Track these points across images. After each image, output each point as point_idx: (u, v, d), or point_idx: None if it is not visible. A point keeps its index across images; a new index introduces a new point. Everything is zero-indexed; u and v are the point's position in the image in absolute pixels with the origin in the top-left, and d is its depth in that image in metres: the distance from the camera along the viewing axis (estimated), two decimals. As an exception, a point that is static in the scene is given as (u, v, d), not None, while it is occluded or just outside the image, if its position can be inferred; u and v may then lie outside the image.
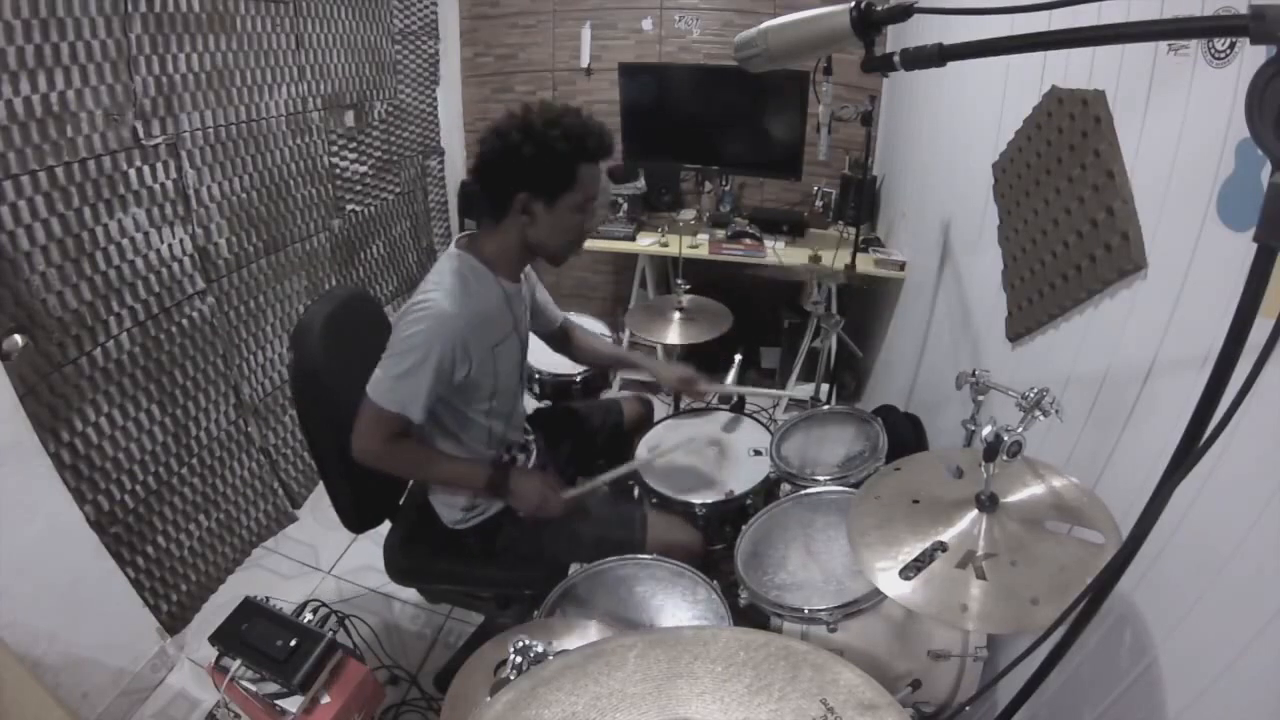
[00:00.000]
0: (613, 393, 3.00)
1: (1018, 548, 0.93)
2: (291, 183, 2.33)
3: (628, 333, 2.80)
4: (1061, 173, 1.31)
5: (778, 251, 2.69)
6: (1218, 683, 0.85)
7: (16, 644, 1.44)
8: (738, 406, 1.95)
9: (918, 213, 2.42)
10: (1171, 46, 1.00)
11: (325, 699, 1.37)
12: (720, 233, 2.86)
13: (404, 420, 1.29)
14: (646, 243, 2.80)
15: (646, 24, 3.02)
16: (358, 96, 2.68)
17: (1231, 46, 0.88)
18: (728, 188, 3.02)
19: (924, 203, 2.35)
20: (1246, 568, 0.82)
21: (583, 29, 3.07)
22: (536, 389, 2.15)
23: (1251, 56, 0.84)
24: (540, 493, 1.40)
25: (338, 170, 2.58)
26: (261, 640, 1.37)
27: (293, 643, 1.36)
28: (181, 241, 1.91)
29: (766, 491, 1.65)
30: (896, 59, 0.73)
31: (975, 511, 0.98)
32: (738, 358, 1.91)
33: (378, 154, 2.83)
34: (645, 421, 1.90)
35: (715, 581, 1.30)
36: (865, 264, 2.42)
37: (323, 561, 2.25)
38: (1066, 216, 1.28)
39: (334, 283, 2.62)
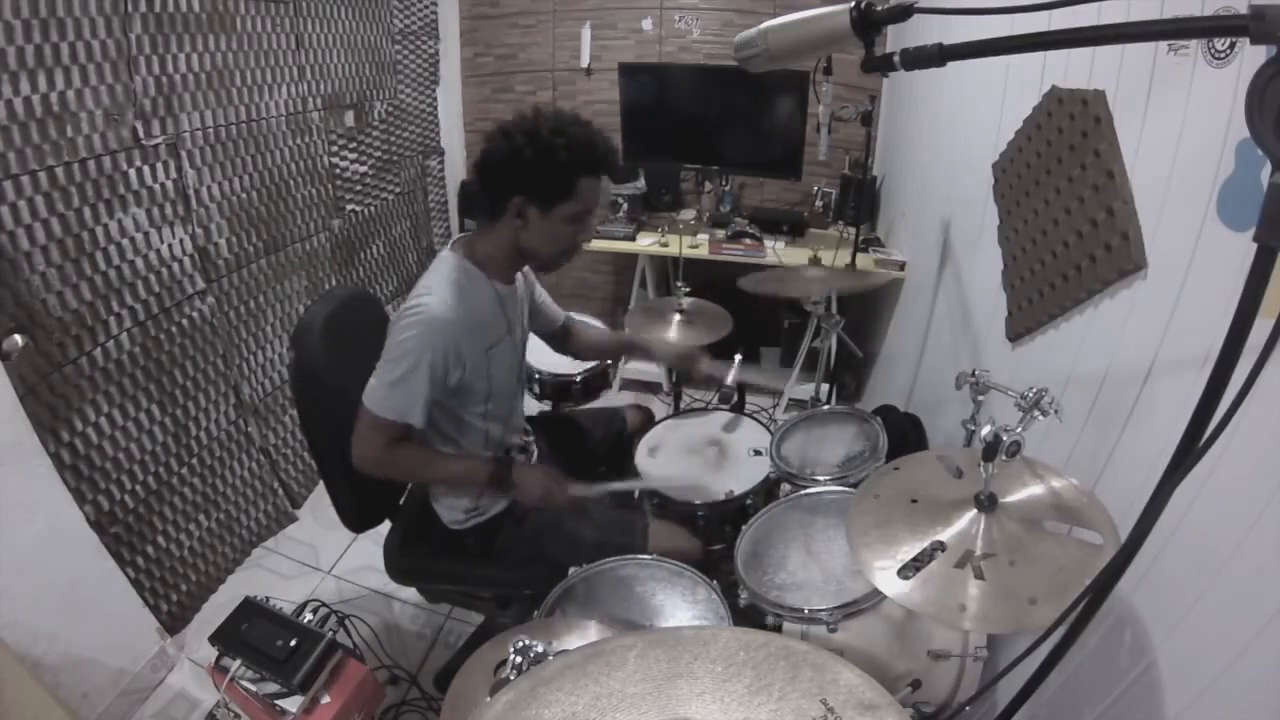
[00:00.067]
0: (613, 394, 3.01)
1: (1016, 548, 0.93)
2: (291, 183, 2.33)
3: (627, 333, 2.80)
4: (1061, 173, 1.31)
5: (778, 251, 2.69)
6: (1218, 683, 0.85)
7: (16, 644, 1.44)
8: (738, 406, 1.95)
9: (918, 213, 2.42)
10: (1171, 46, 1.00)
11: (325, 699, 1.37)
12: (720, 233, 2.86)
13: (403, 427, 1.28)
14: (646, 243, 2.80)
15: (646, 24, 3.02)
16: (358, 96, 2.68)
17: (1231, 46, 0.88)
18: (728, 188, 3.02)
19: (924, 203, 2.35)
20: (1246, 568, 0.82)
21: (583, 29, 3.07)
22: (536, 389, 2.15)
23: (1251, 56, 0.84)
24: (544, 484, 1.40)
25: (338, 170, 2.58)
26: (261, 640, 1.37)
27: (293, 643, 1.36)
28: (181, 241, 1.91)
29: (766, 491, 1.65)
30: (896, 59, 0.73)
31: (974, 511, 0.98)
32: (738, 357, 1.91)
33: (378, 154, 2.83)
34: (646, 428, 1.90)
35: (715, 581, 1.30)
36: (865, 264, 2.43)
37: (323, 561, 2.25)
38: (1066, 216, 1.28)
39: (334, 283, 2.62)
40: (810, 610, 1.19)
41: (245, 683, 1.35)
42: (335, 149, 2.56)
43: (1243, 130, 0.57)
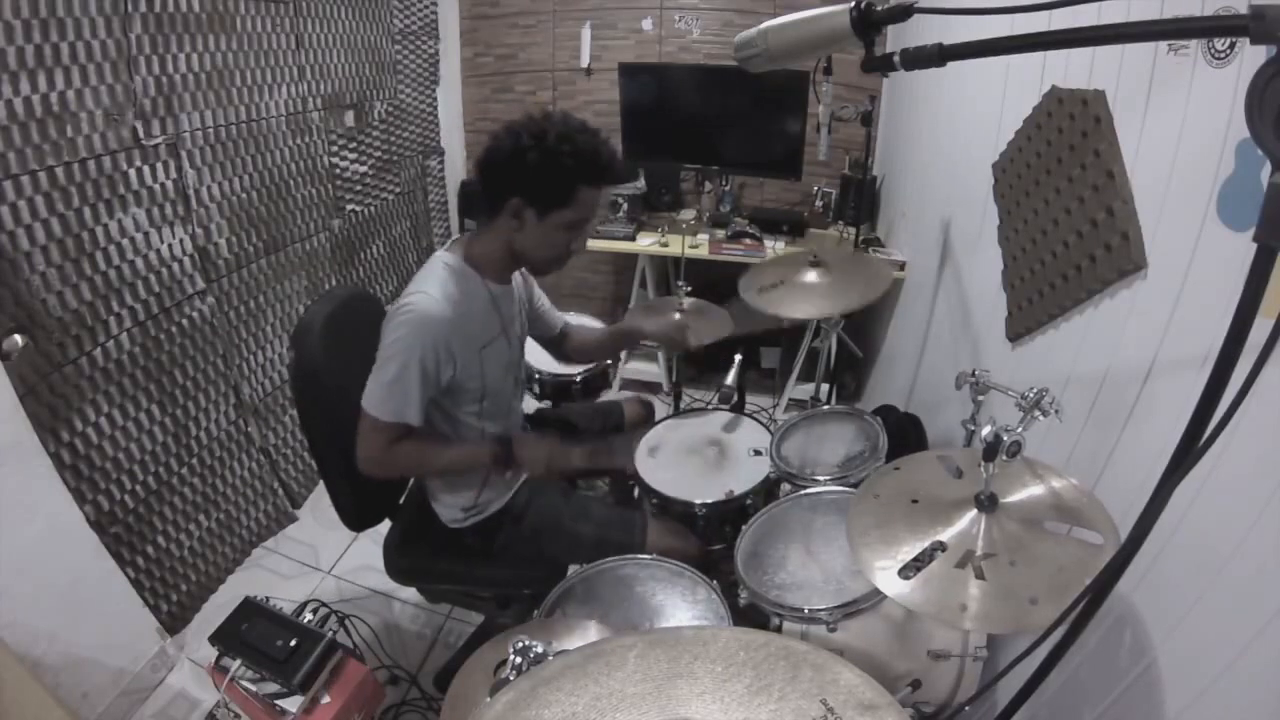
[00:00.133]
0: (613, 393, 3.01)
1: (1017, 548, 0.93)
2: (291, 183, 2.33)
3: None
4: (1061, 173, 1.31)
5: (778, 251, 2.69)
6: (1218, 683, 0.85)
7: (16, 644, 1.44)
8: (738, 406, 1.95)
9: (918, 213, 2.42)
10: (1171, 46, 1.00)
11: (325, 699, 1.37)
12: (720, 233, 2.86)
13: (401, 427, 1.29)
14: (646, 243, 2.80)
15: (646, 24, 3.02)
16: (358, 96, 2.68)
17: (1231, 46, 0.88)
18: (728, 188, 3.02)
19: (924, 203, 2.35)
20: (1246, 568, 0.82)
21: (583, 29, 3.07)
22: (536, 389, 2.15)
23: (1251, 56, 0.84)
24: (547, 453, 1.38)
25: (338, 170, 2.58)
26: (261, 640, 1.37)
27: (293, 643, 1.36)
28: (181, 241, 1.91)
29: (766, 491, 1.65)
30: (896, 59, 0.73)
31: (974, 511, 0.98)
32: (738, 357, 1.91)
33: (378, 154, 2.83)
34: (645, 424, 1.90)
35: (715, 581, 1.30)
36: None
37: (323, 561, 2.25)
38: (1066, 216, 1.28)
39: (334, 283, 2.62)
40: (810, 610, 1.19)
41: (245, 683, 1.35)
42: (335, 149, 2.56)
43: (1243, 130, 0.57)
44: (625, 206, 2.94)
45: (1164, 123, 1.02)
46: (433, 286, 1.29)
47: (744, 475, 1.66)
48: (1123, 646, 1.04)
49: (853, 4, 0.75)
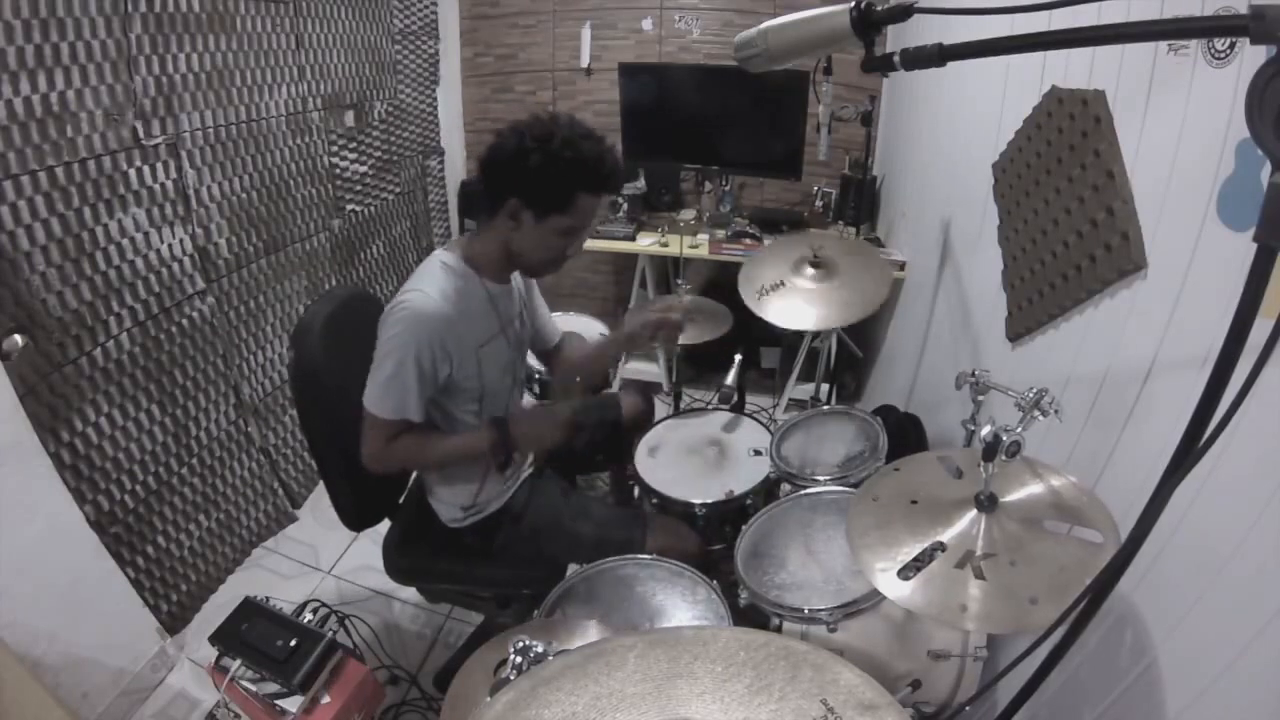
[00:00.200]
0: (613, 391, 3.00)
1: (1017, 548, 0.93)
2: (291, 183, 2.33)
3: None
4: (1061, 173, 1.31)
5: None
6: (1218, 683, 0.85)
7: (16, 644, 1.44)
8: (738, 406, 1.95)
9: (918, 213, 2.42)
10: (1171, 46, 1.00)
11: (325, 699, 1.37)
12: (720, 233, 2.86)
13: (401, 424, 1.29)
14: (646, 243, 2.79)
15: (646, 24, 3.02)
16: (358, 96, 2.68)
17: (1231, 46, 0.88)
18: (728, 188, 3.02)
19: (924, 203, 2.35)
20: (1246, 568, 0.82)
21: (583, 29, 3.07)
22: (536, 389, 2.15)
23: (1251, 56, 0.84)
24: (541, 434, 1.39)
25: (338, 170, 2.58)
26: (261, 640, 1.37)
27: (293, 643, 1.36)
28: (181, 241, 1.91)
29: (766, 491, 1.65)
30: (896, 59, 0.73)
31: (974, 511, 0.98)
32: (738, 357, 1.91)
33: (378, 154, 2.83)
34: (646, 420, 1.90)
35: (715, 581, 1.30)
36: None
37: (323, 561, 2.25)
38: (1066, 216, 1.28)
39: (334, 283, 2.62)
40: (810, 610, 1.19)
41: (245, 683, 1.36)
42: (335, 149, 2.56)
43: (1243, 130, 0.57)
44: (625, 206, 2.94)
45: (1164, 123, 1.02)
46: (428, 285, 1.29)
47: (744, 475, 1.66)
48: (1123, 646, 1.04)
49: (853, 4, 0.75)
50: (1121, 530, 0.91)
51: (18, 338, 1.48)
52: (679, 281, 2.13)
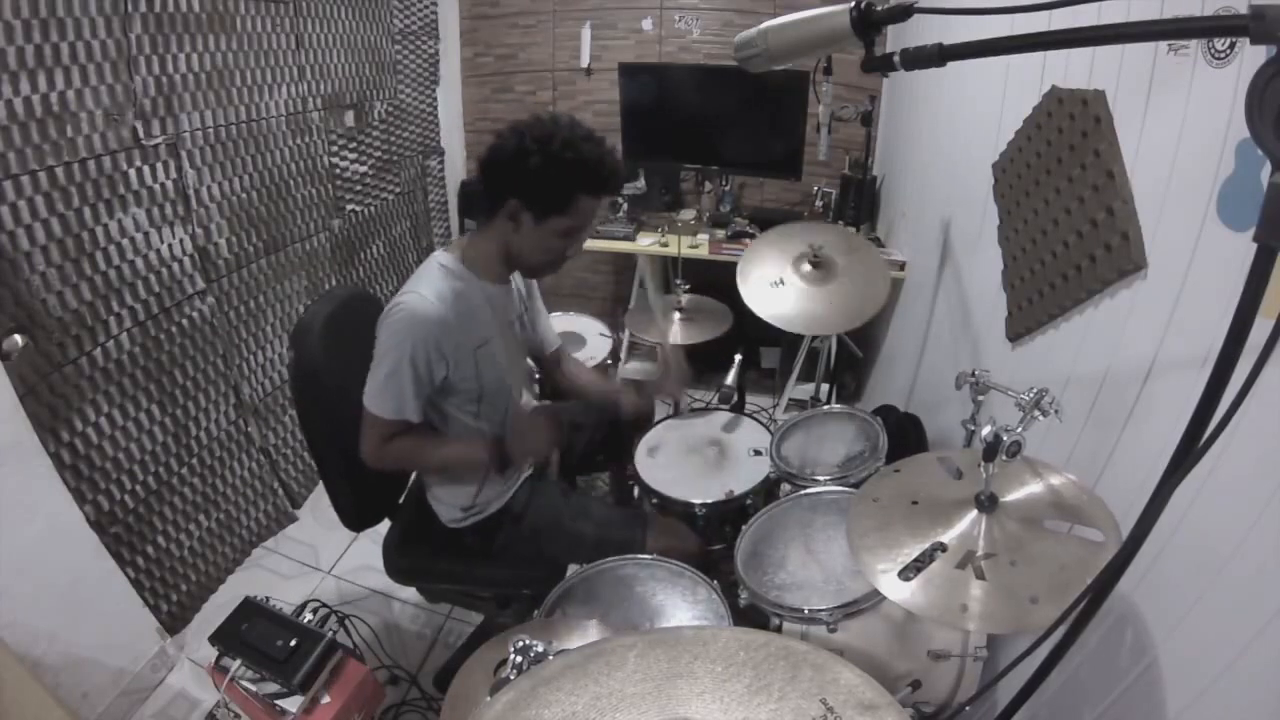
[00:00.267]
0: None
1: (1017, 547, 0.93)
2: (291, 183, 2.33)
3: (627, 333, 2.80)
4: (1061, 173, 1.31)
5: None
6: (1218, 683, 0.85)
7: (16, 644, 1.43)
8: (738, 406, 1.95)
9: (918, 213, 2.42)
10: (1171, 46, 1.00)
11: (325, 699, 1.37)
12: (720, 233, 2.86)
13: (400, 423, 1.30)
14: (646, 243, 2.80)
15: (646, 24, 3.02)
16: (358, 96, 2.68)
17: (1231, 46, 0.88)
18: (728, 188, 3.02)
19: (924, 203, 2.35)
20: (1246, 568, 0.82)
21: (583, 29, 3.07)
22: (536, 389, 2.15)
23: (1251, 56, 0.84)
24: (538, 448, 1.39)
25: (338, 170, 2.58)
26: (261, 640, 1.37)
27: (293, 643, 1.36)
28: (181, 241, 1.91)
29: (766, 491, 1.65)
30: (896, 59, 0.73)
31: (975, 512, 0.98)
32: (738, 357, 1.91)
33: (378, 154, 2.83)
34: (646, 419, 1.90)
35: (715, 581, 1.30)
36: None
37: (323, 561, 2.25)
38: (1066, 216, 1.28)
39: (334, 283, 2.62)
40: (810, 610, 1.19)
41: (245, 683, 1.35)
42: (335, 149, 2.56)
43: (1243, 130, 0.57)
44: (625, 206, 2.94)
45: (1164, 123, 1.02)
46: (425, 286, 1.29)
47: (744, 475, 1.66)
48: (1123, 646, 1.04)
49: (853, 4, 0.75)
50: (1122, 530, 0.91)
51: (18, 338, 1.48)
52: (678, 282, 2.13)
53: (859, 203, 2.72)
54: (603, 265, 3.45)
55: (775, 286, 1.84)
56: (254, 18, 2.09)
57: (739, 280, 1.87)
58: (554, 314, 1.74)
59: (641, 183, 3.04)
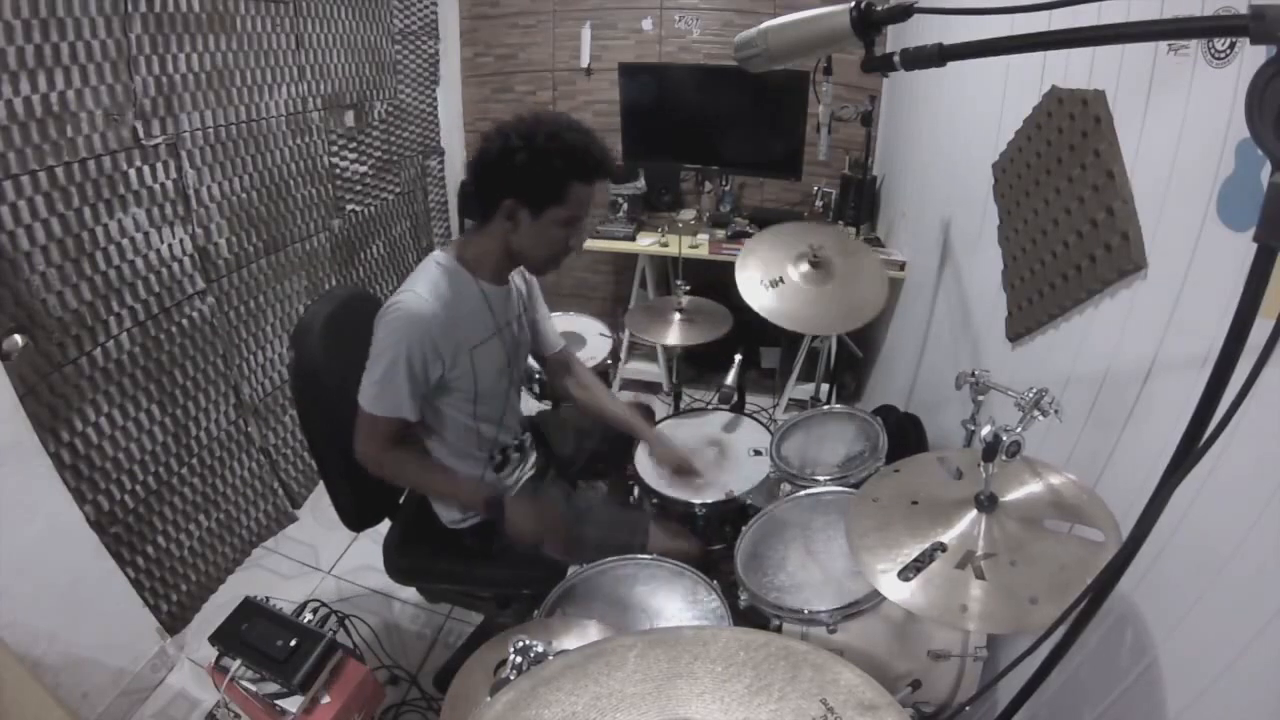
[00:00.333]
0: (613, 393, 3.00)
1: (1017, 547, 0.93)
2: (291, 183, 2.33)
3: (627, 333, 2.80)
4: (1061, 173, 1.31)
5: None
6: (1218, 683, 0.85)
7: (16, 644, 1.43)
8: (738, 406, 1.95)
9: (918, 213, 2.42)
10: (1171, 46, 1.00)
11: (325, 699, 1.37)
12: (720, 233, 2.86)
13: (397, 422, 1.30)
14: (646, 243, 2.80)
15: (646, 24, 3.02)
16: (358, 96, 2.68)
17: (1231, 46, 0.88)
18: (728, 188, 3.02)
19: (924, 203, 2.35)
20: (1246, 568, 0.82)
21: (583, 29, 3.07)
22: (536, 389, 2.15)
23: (1251, 56, 0.84)
24: (535, 522, 1.38)
25: (338, 170, 2.58)
26: (261, 640, 1.37)
27: (293, 643, 1.36)
28: (181, 241, 1.91)
29: (766, 491, 1.65)
30: (896, 59, 0.73)
31: (974, 512, 0.98)
32: (738, 357, 1.91)
33: (378, 154, 2.83)
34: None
35: (715, 581, 1.30)
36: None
37: (323, 561, 2.25)
38: (1066, 216, 1.28)
39: (334, 283, 2.62)
40: (810, 611, 1.19)
41: (245, 683, 1.35)
42: (335, 149, 2.56)
43: (1243, 130, 0.57)
44: (625, 206, 2.94)
45: (1164, 123, 1.02)
46: (421, 286, 1.30)
47: (744, 475, 1.66)
48: (1123, 646, 1.04)
49: (853, 4, 0.75)
50: (1122, 530, 0.91)
51: (18, 338, 1.48)
52: (678, 283, 2.13)
53: (859, 203, 2.72)
54: (603, 265, 3.45)
55: (774, 286, 1.84)
56: (254, 18, 2.09)
57: (738, 278, 1.87)
58: (554, 314, 1.73)
59: (641, 183, 3.03)
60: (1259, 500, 0.80)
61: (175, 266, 1.89)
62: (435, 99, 3.24)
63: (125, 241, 1.74)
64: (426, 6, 3.06)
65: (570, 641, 1.08)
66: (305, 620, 1.44)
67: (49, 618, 1.54)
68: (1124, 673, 1.03)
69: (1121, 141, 1.14)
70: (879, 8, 0.74)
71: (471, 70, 3.32)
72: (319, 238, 2.51)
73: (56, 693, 1.49)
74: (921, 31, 1.23)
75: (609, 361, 2.30)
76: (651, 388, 3.18)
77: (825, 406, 2.03)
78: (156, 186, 1.82)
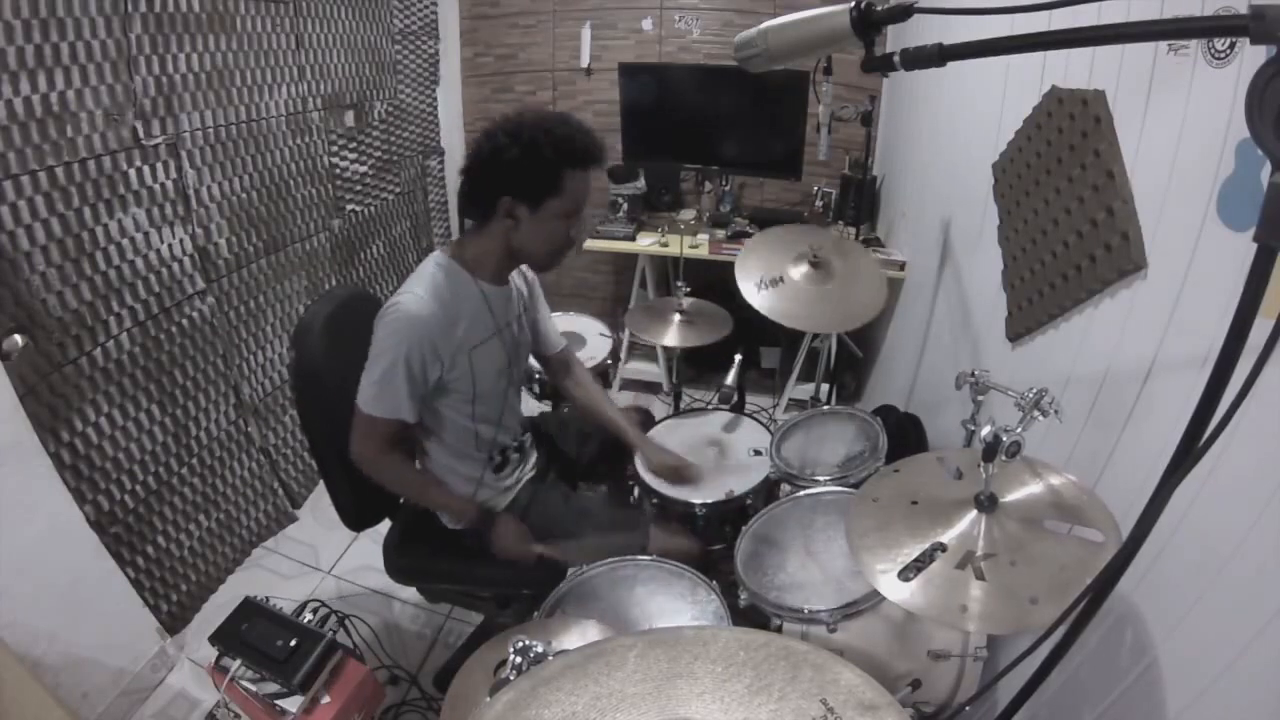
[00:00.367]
0: (613, 394, 3.01)
1: (1017, 548, 0.93)
2: (291, 183, 2.33)
3: (627, 333, 2.80)
4: (1061, 173, 1.31)
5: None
6: (1218, 683, 0.85)
7: (16, 644, 1.44)
8: (738, 406, 1.95)
9: (918, 213, 2.42)
10: (1171, 46, 1.00)
11: (325, 699, 1.37)
12: (720, 233, 2.86)
13: (395, 423, 1.30)
14: (646, 243, 2.80)
15: (646, 24, 3.02)
16: (358, 96, 2.68)
17: (1231, 46, 0.88)
18: (728, 188, 3.02)
19: (924, 203, 2.35)
20: (1246, 568, 0.82)
21: (583, 29, 3.07)
22: (536, 389, 2.15)
23: (1251, 56, 0.84)
24: (515, 549, 1.42)
25: (338, 170, 2.58)
26: (261, 640, 1.37)
27: (293, 643, 1.36)
28: (181, 241, 1.91)
29: (766, 491, 1.65)
30: (896, 59, 0.73)
31: (974, 512, 0.98)
32: (738, 357, 1.91)
33: (378, 154, 2.83)
34: (645, 428, 1.89)
35: (715, 582, 1.30)
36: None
37: (323, 561, 2.25)
38: (1066, 216, 1.28)
39: (334, 283, 2.62)
40: (810, 611, 1.19)
41: (245, 683, 1.35)
42: (335, 149, 2.56)
43: (1243, 130, 0.57)
44: (625, 206, 2.94)
45: (1164, 123, 1.02)
46: (420, 287, 1.30)
47: (744, 475, 1.66)
48: (1123, 646, 1.04)
49: (853, 4, 0.75)
50: (1122, 530, 0.91)
51: (18, 338, 1.48)
52: (679, 284, 2.13)
53: (859, 203, 2.72)
54: (603, 265, 3.45)
55: (774, 285, 1.84)
56: (254, 18, 2.09)
57: (738, 277, 1.87)
58: (554, 314, 1.73)
59: (641, 183, 3.03)
60: (1259, 500, 0.80)
61: (175, 266, 1.89)
62: (435, 99, 3.24)
63: (125, 241, 1.74)
64: (426, 6, 3.06)
65: (570, 641, 1.08)
66: (305, 620, 1.44)
67: (49, 618, 1.54)
68: (1124, 673, 1.03)
69: (1121, 141, 1.14)
70: (879, 8, 0.74)
71: (471, 70, 3.32)
72: (319, 238, 2.51)
73: (56, 693, 1.49)
74: (921, 31, 1.23)
75: (609, 361, 2.30)
76: (651, 388, 3.18)
77: (825, 406, 2.03)
78: (156, 186, 1.82)
